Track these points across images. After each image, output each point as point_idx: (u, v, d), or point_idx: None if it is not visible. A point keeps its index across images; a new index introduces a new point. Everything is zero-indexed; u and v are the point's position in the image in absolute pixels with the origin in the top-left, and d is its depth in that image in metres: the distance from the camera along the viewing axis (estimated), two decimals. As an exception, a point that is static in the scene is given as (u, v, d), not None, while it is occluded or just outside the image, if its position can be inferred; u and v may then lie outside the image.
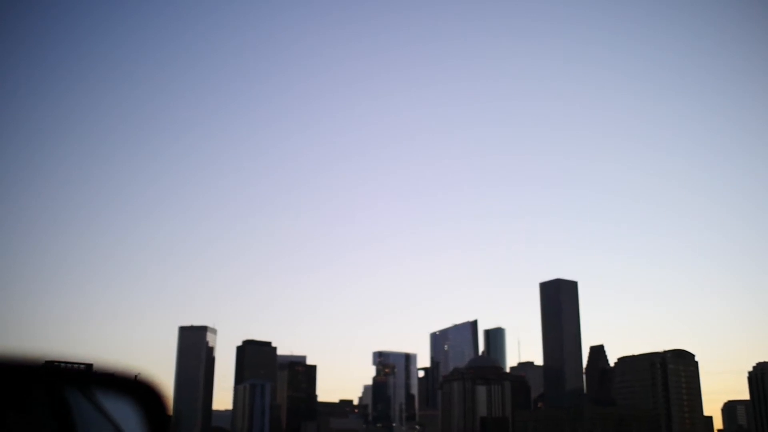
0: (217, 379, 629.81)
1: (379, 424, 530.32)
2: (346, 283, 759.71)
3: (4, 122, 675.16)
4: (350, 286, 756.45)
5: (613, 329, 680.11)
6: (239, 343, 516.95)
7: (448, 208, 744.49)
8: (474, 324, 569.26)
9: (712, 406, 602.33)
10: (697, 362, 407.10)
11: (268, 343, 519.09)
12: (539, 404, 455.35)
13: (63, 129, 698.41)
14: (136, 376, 6.90)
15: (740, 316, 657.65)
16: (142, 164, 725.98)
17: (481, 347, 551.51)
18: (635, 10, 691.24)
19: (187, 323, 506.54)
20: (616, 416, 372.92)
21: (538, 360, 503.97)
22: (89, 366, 7.56)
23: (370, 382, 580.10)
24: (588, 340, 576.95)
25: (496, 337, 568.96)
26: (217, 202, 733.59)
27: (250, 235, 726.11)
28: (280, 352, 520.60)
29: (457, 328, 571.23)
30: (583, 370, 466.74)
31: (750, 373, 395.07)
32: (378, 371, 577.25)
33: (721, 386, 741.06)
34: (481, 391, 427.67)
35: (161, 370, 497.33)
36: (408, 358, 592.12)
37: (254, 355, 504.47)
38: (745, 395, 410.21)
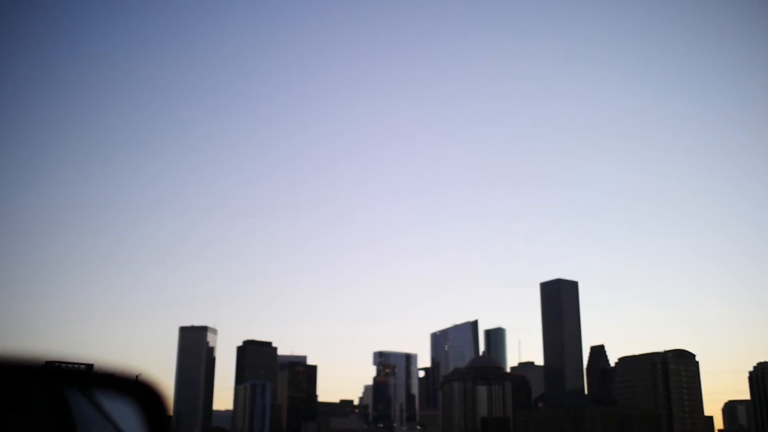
0: (218, 379, 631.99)
1: (379, 425, 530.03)
2: (346, 283, 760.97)
3: (4, 122, 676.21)
4: (350, 286, 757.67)
5: (614, 329, 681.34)
6: (240, 343, 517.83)
7: (448, 208, 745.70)
8: (474, 324, 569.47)
9: (712, 406, 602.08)
10: (697, 362, 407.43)
11: (269, 343, 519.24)
12: (540, 404, 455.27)
13: (63, 129, 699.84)
14: (137, 377, 6.90)
15: (740, 316, 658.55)
16: (142, 164, 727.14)
17: (482, 347, 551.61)
18: (635, 10, 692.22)
19: (187, 323, 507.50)
20: (617, 416, 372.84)
21: (539, 360, 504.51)
22: (90, 366, 7.52)
23: (370, 382, 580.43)
24: (588, 340, 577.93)
25: (496, 337, 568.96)
26: (217, 202, 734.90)
27: (250, 235, 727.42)
28: (280, 352, 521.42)
29: (457, 328, 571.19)
30: (584, 370, 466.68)
31: (750, 373, 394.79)
32: (378, 371, 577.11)
33: (721, 386, 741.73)
34: (482, 391, 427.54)
35: (162, 370, 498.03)
36: (408, 358, 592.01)
37: (255, 355, 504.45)
38: (746, 395, 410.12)
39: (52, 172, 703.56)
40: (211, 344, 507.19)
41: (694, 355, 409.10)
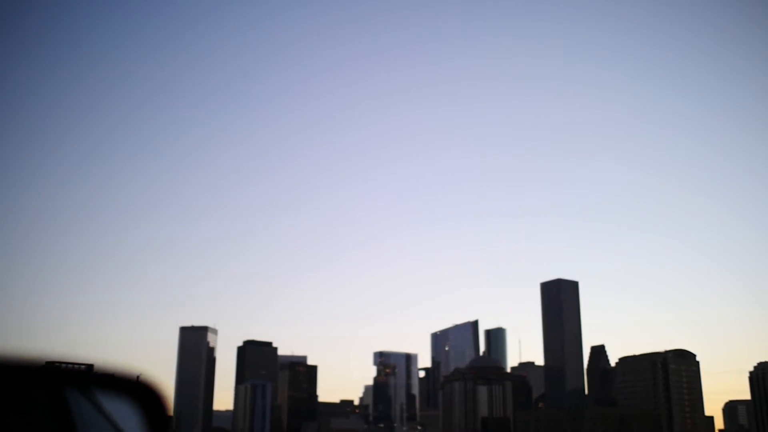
0: (218, 379, 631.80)
1: (380, 425, 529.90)
2: (346, 283, 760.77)
3: (4, 122, 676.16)
4: (350, 286, 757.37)
5: (614, 329, 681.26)
6: (240, 344, 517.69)
7: (448, 208, 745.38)
8: (475, 324, 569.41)
9: (713, 406, 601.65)
10: (698, 362, 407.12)
11: (269, 344, 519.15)
12: (540, 404, 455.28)
13: (63, 129, 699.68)
14: (137, 377, 6.89)
15: (741, 316, 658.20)
16: (142, 164, 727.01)
17: (482, 347, 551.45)
18: (635, 10, 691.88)
19: (187, 323, 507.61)
20: (617, 416, 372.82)
21: (539, 360, 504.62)
22: (90, 366, 7.52)
23: (370, 382, 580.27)
24: (589, 340, 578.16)
25: (496, 337, 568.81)
26: (217, 202, 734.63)
27: (250, 235, 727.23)
28: (280, 352, 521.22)
29: (457, 328, 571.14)
30: (584, 370, 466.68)
31: (751, 373, 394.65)
32: (379, 371, 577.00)
33: (722, 386, 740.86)
34: (483, 391, 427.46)
35: (162, 371, 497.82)
36: (409, 359, 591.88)
37: (255, 356, 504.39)
38: (746, 395, 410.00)
39: (52, 172, 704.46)
40: (211, 344, 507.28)
41: (694, 355, 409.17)
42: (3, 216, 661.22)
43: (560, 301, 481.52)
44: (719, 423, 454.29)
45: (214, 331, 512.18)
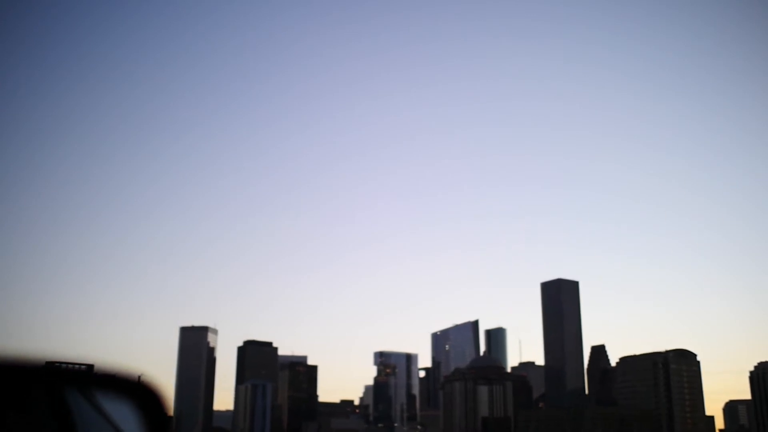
0: (218, 379, 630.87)
1: (380, 425, 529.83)
2: (346, 283, 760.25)
3: (4, 122, 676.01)
4: (350, 286, 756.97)
5: (614, 329, 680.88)
6: (240, 344, 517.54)
7: (448, 208, 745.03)
8: (475, 324, 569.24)
9: (713, 406, 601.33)
10: (699, 362, 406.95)
11: (269, 344, 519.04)
12: (540, 404, 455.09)
13: (63, 129, 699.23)
14: (138, 378, 6.86)
15: (741, 316, 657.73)
16: (142, 164, 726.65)
17: (483, 347, 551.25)
18: (635, 10, 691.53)
19: (187, 323, 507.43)
20: (618, 416, 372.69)
21: (539, 360, 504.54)
22: (90, 367, 7.54)
23: (371, 382, 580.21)
24: (589, 340, 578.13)
25: (497, 337, 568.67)
26: (217, 202, 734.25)
27: (250, 235, 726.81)
28: (281, 352, 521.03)
29: (458, 328, 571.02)
30: (585, 370, 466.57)
31: (751, 372, 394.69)
32: (379, 371, 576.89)
33: (722, 386, 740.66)
34: (483, 391, 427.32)
35: (162, 371, 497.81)
36: (409, 358, 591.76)
37: (255, 356, 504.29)
38: (747, 395, 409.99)
39: (52, 172, 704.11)
40: (211, 344, 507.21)
41: (695, 355, 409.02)
42: (3, 216, 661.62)
43: (560, 301, 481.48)
44: (720, 423, 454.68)
45: (214, 331, 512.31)
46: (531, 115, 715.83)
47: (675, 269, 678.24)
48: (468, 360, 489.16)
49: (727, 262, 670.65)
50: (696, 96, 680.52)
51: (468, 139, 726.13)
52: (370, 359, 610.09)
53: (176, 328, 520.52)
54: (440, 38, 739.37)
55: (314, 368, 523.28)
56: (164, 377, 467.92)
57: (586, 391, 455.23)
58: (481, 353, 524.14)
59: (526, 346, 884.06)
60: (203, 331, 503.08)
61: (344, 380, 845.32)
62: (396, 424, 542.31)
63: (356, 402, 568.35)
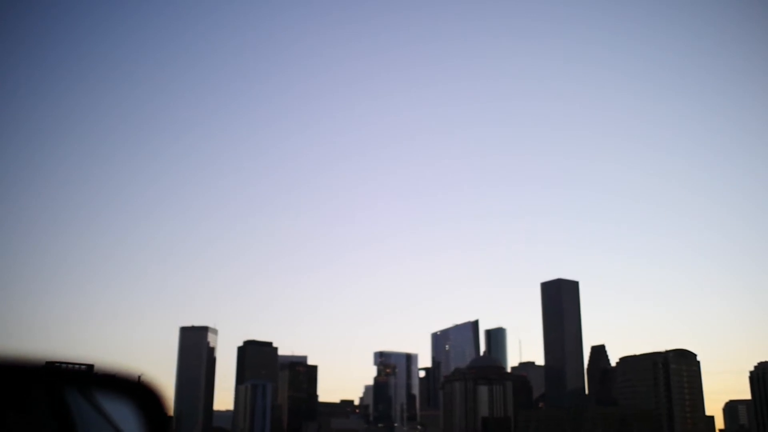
0: (218, 379, 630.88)
1: (380, 425, 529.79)
2: (346, 283, 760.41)
3: (4, 122, 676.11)
4: (350, 286, 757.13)
5: (614, 329, 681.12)
6: (240, 344, 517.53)
7: (448, 208, 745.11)
8: (475, 324, 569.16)
9: (713, 406, 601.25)
10: (699, 362, 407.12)
11: (269, 344, 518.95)
12: (540, 404, 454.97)
13: (63, 129, 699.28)
14: (139, 378, 6.85)
15: (741, 316, 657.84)
16: (142, 164, 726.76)
17: (483, 347, 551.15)
18: (635, 10, 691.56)
19: (187, 323, 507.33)
20: (618, 416, 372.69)
21: (539, 360, 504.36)
22: (90, 367, 7.52)
23: (371, 382, 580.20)
24: (589, 340, 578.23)
25: (497, 337, 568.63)
26: (217, 202, 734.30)
27: (250, 235, 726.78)
28: (281, 352, 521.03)
29: (458, 328, 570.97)
30: (585, 370, 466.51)
31: (751, 372, 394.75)
32: (379, 371, 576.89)
33: (722, 386, 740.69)
34: (483, 391, 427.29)
35: (162, 371, 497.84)
36: (409, 358, 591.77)
37: (255, 356, 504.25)
38: (747, 395, 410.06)
39: (52, 172, 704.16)
40: (211, 344, 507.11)
41: (695, 355, 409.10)
42: (3, 216, 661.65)
43: (560, 301, 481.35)
44: (719, 423, 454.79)
45: (214, 331, 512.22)
46: (531, 115, 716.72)
47: (675, 269, 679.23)
48: (468, 360, 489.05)
49: (727, 262, 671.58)
50: (696, 96, 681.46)
51: (468, 139, 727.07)
52: (370, 359, 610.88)
53: (176, 328, 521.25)
54: (440, 38, 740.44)
55: (314, 368, 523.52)
56: (164, 377, 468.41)
57: (586, 391, 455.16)
58: (481, 353, 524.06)
59: (526, 346, 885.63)
60: (203, 331, 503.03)
61: (344, 380, 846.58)
62: (396, 424, 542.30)
63: (356, 402, 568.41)
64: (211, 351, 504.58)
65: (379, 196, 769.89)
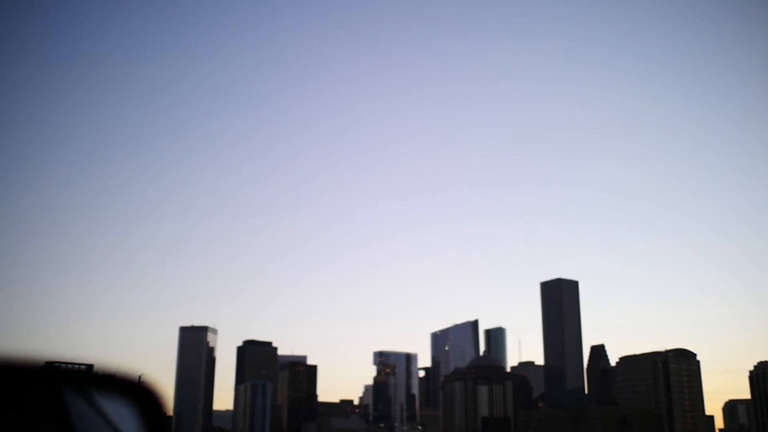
0: (218, 379, 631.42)
1: (380, 424, 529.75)
2: (346, 283, 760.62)
3: (4, 122, 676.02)
4: (350, 286, 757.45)
5: (614, 329, 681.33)
6: (240, 344, 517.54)
7: (448, 208, 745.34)
8: (475, 324, 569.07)
9: (713, 406, 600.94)
10: (698, 361, 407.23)
11: (269, 343, 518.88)
12: (540, 404, 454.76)
13: (63, 129, 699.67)
14: (139, 378, 6.86)
15: (741, 315, 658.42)
16: (142, 164, 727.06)
17: (482, 347, 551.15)
18: (635, 10, 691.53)
19: (187, 323, 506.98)
20: (618, 416, 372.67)
21: (539, 360, 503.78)
22: (90, 367, 7.45)
23: (370, 382, 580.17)
24: (589, 340, 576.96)
25: (496, 336, 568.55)
26: (217, 202, 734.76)
27: (250, 235, 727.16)
28: (280, 352, 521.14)
29: (457, 328, 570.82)
30: (584, 370, 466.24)
31: (751, 372, 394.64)
32: (379, 371, 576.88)
33: (721, 385, 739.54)
34: (483, 390, 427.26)
35: (162, 371, 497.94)
36: (409, 358, 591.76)
37: (255, 356, 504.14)
38: (746, 394, 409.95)
39: (52, 172, 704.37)
40: (211, 344, 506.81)
41: (695, 355, 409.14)
42: (3, 216, 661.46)
43: (560, 301, 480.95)
44: (719, 422, 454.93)
45: (214, 331, 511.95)
46: (531, 115, 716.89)
47: (675, 269, 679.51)
48: (468, 360, 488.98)
49: (727, 262, 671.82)
50: (696, 96, 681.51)
51: (468, 139, 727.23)
52: (370, 359, 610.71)
53: (176, 328, 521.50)
54: (440, 38, 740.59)
55: (314, 368, 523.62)
56: (164, 377, 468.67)
57: (586, 391, 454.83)
58: (481, 353, 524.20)
59: (525, 346, 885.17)
60: (203, 331, 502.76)
61: (344, 380, 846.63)
62: (396, 424, 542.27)
63: (356, 402, 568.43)
64: (210, 351, 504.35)
65: (379, 196, 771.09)
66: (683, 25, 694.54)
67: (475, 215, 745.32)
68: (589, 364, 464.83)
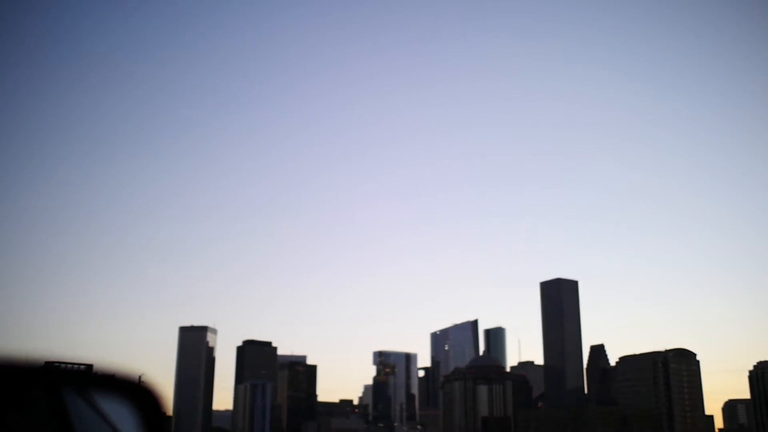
0: (218, 379, 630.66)
1: (379, 424, 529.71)
2: (346, 283, 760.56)
3: (4, 122, 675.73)
4: (350, 286, 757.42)
5: (614, 329, 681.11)
6: (239, 343, 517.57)
7: (448, 208, 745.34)
8: (474, 323, 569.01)
9: (713, 405, 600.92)
10: (698, 361, 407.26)
11: (269, 343, 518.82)
12: (540, 404, 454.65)
13: (63, 129, 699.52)
14: (139, 378, 6.87)
15: (740, 315, 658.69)
16: (142, 164, 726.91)
17: (482, 347, 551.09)
18: (635, 10, 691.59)
19: (187, 323, 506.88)
20: (618, 415, 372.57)
21: (539, 359, 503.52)
22: (89, 367, 7.72)
23: (370, 381, 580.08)
24: (589, 340, 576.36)
25: (496, 336, 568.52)
26: (217, 202, 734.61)
27: (250, 235, 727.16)
28: (280, 352, 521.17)
29: (457, 328, 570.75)
30: (584, 370, 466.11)
31: (750, 372, 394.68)
32: (378, 371, 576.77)
33: (721, 385, 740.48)
34: (483, 390, 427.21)
35: (161, 371, 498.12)
36: (408, 358, 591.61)
37: (254, 355, 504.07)
38: (746, 394, 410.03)
39: (52, 172, 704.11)
40: (211, 344, 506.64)
41: (694, 355, 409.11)
42: (3, 216, 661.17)
43: (560, 301, 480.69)
44: (719, 422, 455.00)
45: (214, 331, 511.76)
46: (531, 115, 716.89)
47: (675, 269, 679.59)
48: (467, 360, 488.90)
49: (727, 262, 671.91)
50: (696, 96, 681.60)
51: (468, 139, 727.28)
52: (370, 359, 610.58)
53: (175, 328, 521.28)
54: (440, 38, 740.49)
55: (313, 368, 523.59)
56: (163, 377, 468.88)
57: (586, 391, 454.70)
58: (481, 353, 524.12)
59: (525, 346, 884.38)
60: (202, 330, 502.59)
61: (344, 380, 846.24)
62: (395, 424, 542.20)
63: (355, 402, 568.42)
64: (210, 351, 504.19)
65: (379, 196, 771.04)
66: (683, 25, 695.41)
67: (475, 215, 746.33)
68: (588, 364, 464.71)
